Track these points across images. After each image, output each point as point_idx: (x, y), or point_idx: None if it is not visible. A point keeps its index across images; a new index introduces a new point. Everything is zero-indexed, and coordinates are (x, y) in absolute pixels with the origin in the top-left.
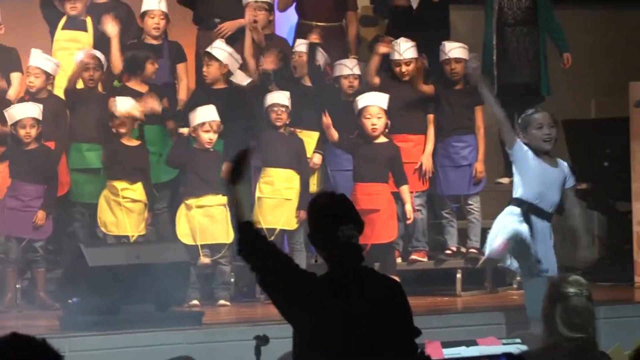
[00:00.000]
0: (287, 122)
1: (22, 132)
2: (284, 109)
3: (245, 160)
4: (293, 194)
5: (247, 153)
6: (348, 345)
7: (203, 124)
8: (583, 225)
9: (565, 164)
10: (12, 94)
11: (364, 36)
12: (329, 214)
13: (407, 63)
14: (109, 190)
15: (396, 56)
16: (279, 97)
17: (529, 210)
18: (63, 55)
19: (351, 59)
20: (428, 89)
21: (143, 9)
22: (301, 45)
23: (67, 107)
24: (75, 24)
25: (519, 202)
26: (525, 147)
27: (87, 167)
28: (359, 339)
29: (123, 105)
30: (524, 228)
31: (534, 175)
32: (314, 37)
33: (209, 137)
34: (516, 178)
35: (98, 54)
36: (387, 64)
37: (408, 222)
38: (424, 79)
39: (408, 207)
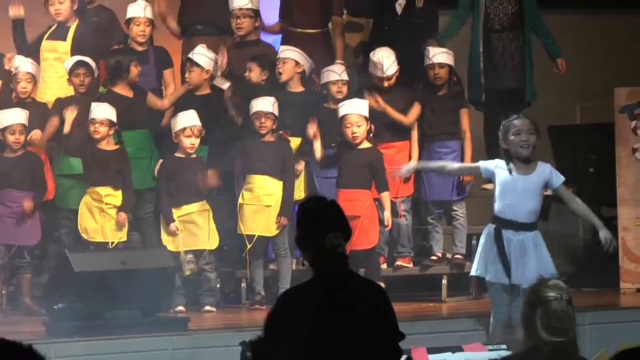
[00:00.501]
0: (273, 128)
1: (11, 138)
2: (268, 116)
3: None
4: (273, 200)
5: None
6: (333, 350)
7: (184, 129)
8: (588, 211)
9: (548, 166)
10: None
11: (349, 42)
12: (317, 220)
13: (390, 78)
14: (90, 196)
15: (379, 74)
16: (263, 104)
17: (502, 226)
18: (44, 66)
19: (338, 65)
20: (407, 119)
21: (128, 15)
22: (286, 52)
23: (54, 113)
24: (58, 34)
25: (493, 219)
26: (492, 165)
27: (73, 172)
28: (344, 344)
29: (100, 110)
30: (492, 248)
31: (504, 189)
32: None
33: (190, 142)
34: (497, 197)
35: (88, 60)
36: (368, 79)
37: (387, 228)
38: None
39: (387, 214)
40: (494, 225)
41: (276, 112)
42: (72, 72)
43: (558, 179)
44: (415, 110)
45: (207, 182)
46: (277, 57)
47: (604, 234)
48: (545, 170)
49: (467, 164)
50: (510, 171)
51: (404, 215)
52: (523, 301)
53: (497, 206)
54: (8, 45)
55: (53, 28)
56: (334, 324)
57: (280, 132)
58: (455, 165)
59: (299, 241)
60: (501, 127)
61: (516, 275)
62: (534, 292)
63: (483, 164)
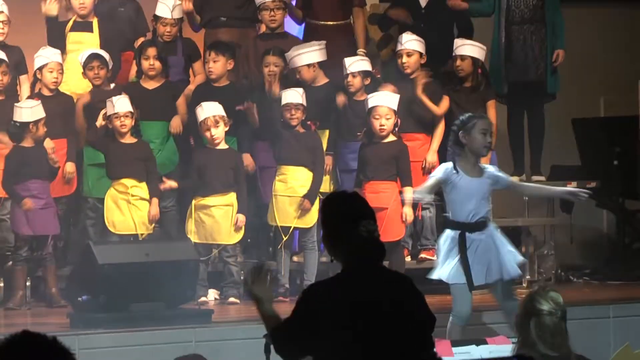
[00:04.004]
0: (303, 119)
1: (42, 130)
2: (298, 108)
3: (261, 275)
4: (306, 192)
5: (263, 270)
6: (364, 344)
7: (205, 120)
8: (547, 187)
9: (491, 167)
10: (24, 93)
11: (372, 36)
12: (348, 210)
13: (409, 54)
14: (115, 189)
15: (398, 47)
16: (293, 96)
17: (459, 228)
18: (71, 58)
19: (348, 58)
20: (439, 110)
21: (156, 13)
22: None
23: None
24: (82, 26)
25: (450, 224)
26: (442, 171)
27: (102, 162)
28: (376, 338)
29: (122, 103)
30: (452, 250)
31: (460, 192)
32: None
33: (210, 134)
34: (446, 200)
35: (102, 52)
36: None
37: (407, 223)
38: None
39: (406, 210)
40: (454, 230)
41: (304, 103)
42: (86, 65)
43: (504, 176)
44: (445, 102)
45: (244, 167)
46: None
47: (570, 192)
48: (492, 171)
49: (429, 182)
50: (460, 173)
51: (427, 208)
52: (520, 304)
53: (453, 210)
54: (30, 39)
55: (74, 19)
56: (365, 317)
57: (309, 122)
58: (424, 186)
59: (328, 237)
60: (464, 118)
61: (482, 274)
62: (530, 299)
63: (439, 174)
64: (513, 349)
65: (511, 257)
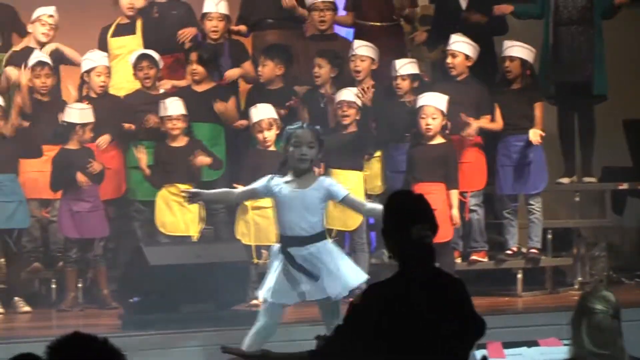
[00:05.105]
0: (357, 119)
1: (88, 134)
2: (352, 106)
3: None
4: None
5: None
6: (415, 347)
7: (256, 122)
8: (374, 208)
9: (328, 179)
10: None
11: (421, 37)
12: (404, 211)
13: (454, 55)
14: (167, 190)
15: (446, 47)
16: (347, 94)
17: (287, 243)
18: (115, 62)
19: (398, 60)
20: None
21: (203, 10)
22: (362, 48)
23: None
24: (124, 29)
25: (278, 238)
26: (261, 182)
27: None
28: (426, 340)
29: (175, 106)
30: (276, 267)
31: (284, 205)
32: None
33: (262, 136)
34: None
35: (152, 53)
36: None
37: (455, 226)
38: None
39: (454, 212)
40: (278, 245)
41: (360, 103)
42: (136, 65)
43: (341, 190)
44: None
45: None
46: (353, 53)
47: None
48: (323, 185)
49: (247, 188)
50: (280, 185)
51: (474, 210)
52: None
53: (279, 223)
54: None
55: (116, 23)
56: (417, 320)
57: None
58: (236, 192)
59: (384, 233)
60: (283, 134)
61: (313, 288)
62: (583, 299)
63: (259, 184)
64: (568, 350)
65: (339, 279)
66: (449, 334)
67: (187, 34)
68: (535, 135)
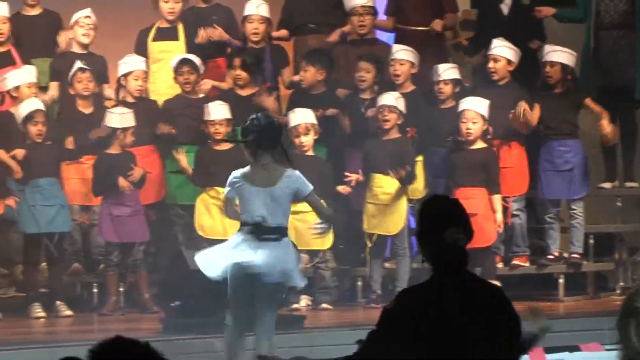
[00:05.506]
0: (399, 123)
1: (129, 138)
2: (392, 110)
3: None
4: (390, 199)
5: None
6: (447, 353)
7: (299, 125)
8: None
9: (295, 173)
10: (110, 101)
11: (462, 42)
12: (437, 214)
13: (496, 59)
14: (207, 194)
15: (487, 51)
16: (387, 99)
17: (251, 234)
18: (157, 67)
19: (441, 65)
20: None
21: (244, 13)
22: (402, 52)
23: (164, 114)
24: (166, 34)
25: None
26: (231, 184)
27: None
28: (458, 346)
29: (219, 111)
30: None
31: (247, 202)
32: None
33: (299, 141)
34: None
35: (193, 57)
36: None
37: (498, 230)
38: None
39: (498, 217)
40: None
41: (401, 107)
42: (176, 70)
43: (307, 187)
44: (537, 111)
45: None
46: (392, 57)
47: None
48: (291, 180)
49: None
50: (243, 182)
51: (517, 215)
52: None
53: (243, 219)
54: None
55: (156, 27)
56: (448, 324)
57: (407, 129)
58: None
59: (418, 237)
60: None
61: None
62: (630, 300)
63: (226, 193)
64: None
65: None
66: (480, 338)
67: (209, 34)
68: (607, 126)
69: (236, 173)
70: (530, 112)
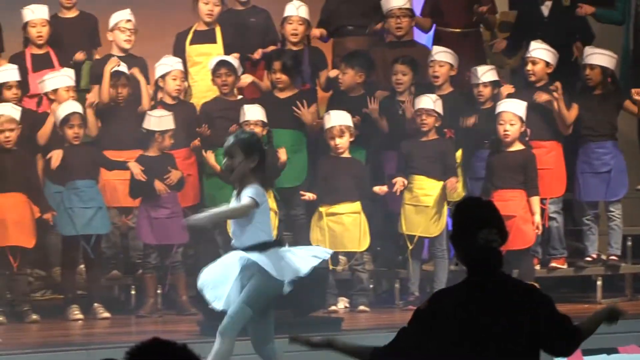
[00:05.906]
0: (436, 126)
1: (168, 141)
2: (430, 114)
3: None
4: (431, 200)
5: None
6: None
7: (334, 128)
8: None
9: (249, 190)
10: (145, 103)
11: (499, 45)
12: (471, 216)
13: (534, 62)
14: None
15: (526, 54)
16: (425, 102)
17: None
18: (196, 70)
19: (480, 67)
20: (570, 117)
21: (284, 14)
22: (441, 54)
23: (202, 116)
24: (204, 37)
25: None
26: (263, 194)
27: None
28: (491, 347)
29: (253, 112)
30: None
31: (266, 220)
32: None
33: (334, 143)
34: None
35: (231, 59)
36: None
37: (537, 232)
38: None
39: (537, 219)
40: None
41: (439, 110)
42: (214, 72)
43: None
44: (575, 110)
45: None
46: (432, 59)
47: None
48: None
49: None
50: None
51: (554, 218)
52: None
53: (264, 239)
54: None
55: (194, 30)
56: (481, 327)
57: (445, 130)
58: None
59: (453, 240)
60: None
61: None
62: None
63: (260, 199)
64: None
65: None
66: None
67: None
68: None
69: (259, 188)
70: (564, 107)
